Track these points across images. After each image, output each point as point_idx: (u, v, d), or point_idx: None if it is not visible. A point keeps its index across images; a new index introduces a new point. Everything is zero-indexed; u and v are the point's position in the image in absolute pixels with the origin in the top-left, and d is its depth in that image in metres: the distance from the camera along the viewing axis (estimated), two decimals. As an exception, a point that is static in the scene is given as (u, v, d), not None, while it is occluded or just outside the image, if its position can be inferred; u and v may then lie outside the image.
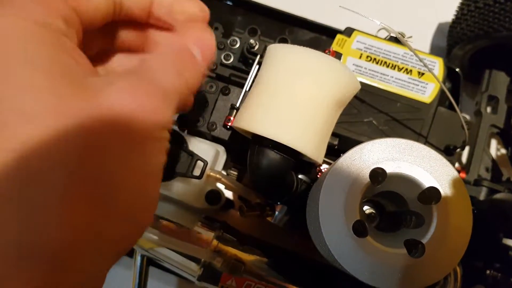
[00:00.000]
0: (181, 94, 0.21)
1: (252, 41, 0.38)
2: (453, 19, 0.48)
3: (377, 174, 0.27)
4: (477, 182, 0.41)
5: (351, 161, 0.27)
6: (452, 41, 0.48)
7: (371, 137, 0.39)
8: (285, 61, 0.31)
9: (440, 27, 0.54)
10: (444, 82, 0.41)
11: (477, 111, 0.45)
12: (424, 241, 0.26)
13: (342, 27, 0.45)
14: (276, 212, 0.39)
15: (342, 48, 0.41)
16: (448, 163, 0.27)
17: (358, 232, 0.26)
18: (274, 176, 0.33)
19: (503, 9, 0.42)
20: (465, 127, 0.36)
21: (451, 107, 0.41)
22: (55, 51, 0.18)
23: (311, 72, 0.30)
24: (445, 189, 0.27)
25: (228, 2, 0.49)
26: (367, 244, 0.26)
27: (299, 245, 0.37)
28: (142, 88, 0.19)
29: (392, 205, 0.30)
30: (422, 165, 0.27)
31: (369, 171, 0.27)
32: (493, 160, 0.43)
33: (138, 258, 0.40)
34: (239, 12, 0.49)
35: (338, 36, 0.42)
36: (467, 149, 0.45)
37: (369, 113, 0.40)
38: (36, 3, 0.19)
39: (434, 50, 0.54)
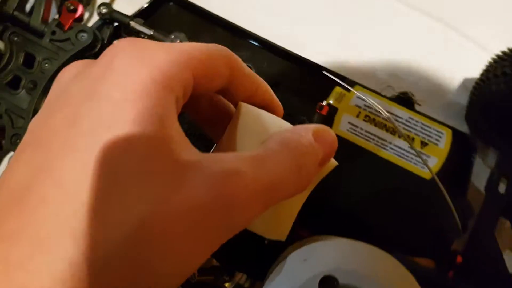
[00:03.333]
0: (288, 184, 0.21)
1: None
2: (478, 78, 0.42)
3: (328, 282, 0.23)
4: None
5: (299, 263, 0.23)
6: (474, 100, 0.42)
7: (350, 206, 0.34)
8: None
9: (465, 83, 0.48)
10: (449, 156, 0.36)
11: (488, 185, 0.39)
12: None
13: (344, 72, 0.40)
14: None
15: (339, 102, 0.37)
16: (411, 277, 0.23)
17: None
18: (235, 240, 0.29)
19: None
20: (458, 222, 0.31)
21: (456, 184, 0.36)
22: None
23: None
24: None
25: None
26: None
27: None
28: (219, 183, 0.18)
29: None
30: (382, 278, 0.23)
31: (318, 279, 0.23)
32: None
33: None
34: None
35: (337, 89, 0.37)
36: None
37: (356, 179, 0.35)
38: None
39: (452, 107, 0.48)
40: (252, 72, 0.30)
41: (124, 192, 0.17)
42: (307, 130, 0.23)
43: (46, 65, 0.40)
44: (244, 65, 0.29)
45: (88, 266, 0.16)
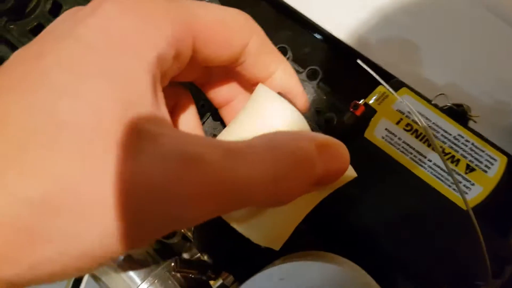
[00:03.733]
0: (256, 195, 0.17)
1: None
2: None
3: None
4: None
5: (275, 282, 0.20)
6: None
7: (369, 223, 0.30)
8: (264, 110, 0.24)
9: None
10: (499, 186, 0.30)
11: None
12: None
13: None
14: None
15: (380, 104, 0.32)
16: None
17: None
18: (225, 239, 0.26)
19: None
20: (488, 263, 0.26)
21: (500, 223, 0.31)
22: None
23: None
24: None
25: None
26: None
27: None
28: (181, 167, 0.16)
29: None
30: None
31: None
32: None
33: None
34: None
35: (380, 88, 0.33)
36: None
37: (381, 193, 0.31)
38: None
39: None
40: (275, 50, 0.26)
41: (66, 147, 0.15)
42: (311, 139, 0.19)
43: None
44: (268, 40, 0.26)
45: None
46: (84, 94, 0.16)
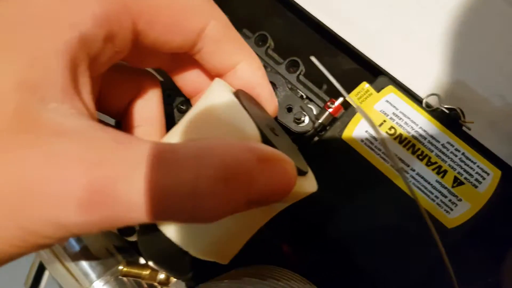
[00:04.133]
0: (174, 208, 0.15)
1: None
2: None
3: None
4: None
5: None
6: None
7: (350, 237, 0.27)
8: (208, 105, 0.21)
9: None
10: (490, 204, 0.26)
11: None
12: None
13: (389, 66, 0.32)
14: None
15: (362, 103, 0.29)
16: None
17: None
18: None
19: None
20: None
21: (490, 246, 0.27)
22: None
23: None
24: None
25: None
26: None
27: None
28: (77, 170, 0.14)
29: None
30: None
31: None
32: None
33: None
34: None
35: (362, 85, 0.29)
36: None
37: (363, 204, 0.27)
38: None
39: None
40: (240, 39, 0.23)
41: None
42: (254, 151, 0.16)
43: None
44: (231, 27, 0.22)
45: None
46: None
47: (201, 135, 0.20)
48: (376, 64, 0.33)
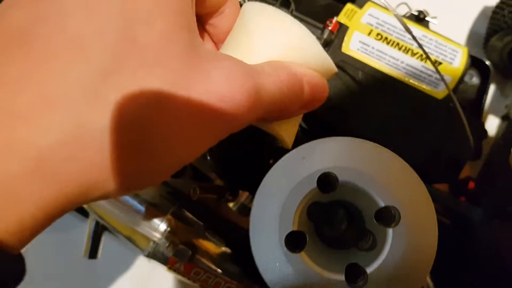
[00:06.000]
0: (273, 108, 0.20)
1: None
2: (497, 3, 0.40)
3: (328, 180, 0.22)
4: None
5: (297, 161, 0.23)
6: (492, 29, 0.40)
7: (363, 129, 0.34)
8: (247, 21, 0.26)
9: (484, 11, 0.46)
10: (463, 76, 0.34)
11: (505, 116, 0.38)
12: (369, 269, 0.21)
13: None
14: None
15: (350, 20, 0.35)
16: (418, 179, 0.22)
17: (291, 245, 0.22)
18: (239, 159, 0.29)
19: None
20: (471, 140, 0.30)
21: (470, 105, 0.35)
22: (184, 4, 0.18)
23: (274, 42, 0.25)
24: (407, 210, 0.22)
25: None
26: (299, 261, 0.22)
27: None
28: (241, 81, 0.18)
29: (347, 219, 0.25)
30: (385, 178, 0.22)
31: (317, 176, 0.22)
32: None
33: (93, 224, 0.38)
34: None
35: (348, 6, 0.36)
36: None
37: (367, 100, 0.34)
38: None
39: (473, 37, 0.46)
40: None
41: (143, 65, 0.16)
42: (303, 74, 0.22)
43: None
44: None
45: (95, 130, 0.15)
46: None
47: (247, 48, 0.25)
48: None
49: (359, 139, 0.22)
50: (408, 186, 0.22)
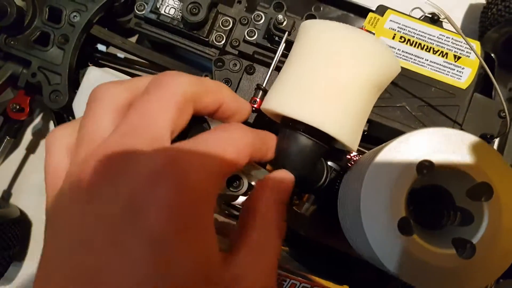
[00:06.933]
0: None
1: (280, 16, 0.35)
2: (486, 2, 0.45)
3: (425, 167, 0.25)
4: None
5: (396, 152, 0.25)
6: (486, 23, 0.45)
7: (403, 123, 0.37)
8: (323, 40, 0.29)
9: (472, 8, 0.51)
10: (481, 67, 0.38)
11: (510, 98, 0.43)
12: (474, 240, 0.24)
13: (371, 5, 0.42)
14: (306, 203, 0.37)
15: (374, 27, 0.39)
16: (501, 158, 0.25)
17: (403, 230, 0.24)
18: (304, 163, 0.31)
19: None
20: (507, 113, 0.34)
21: (486, 94, 0.39)
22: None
23: (353, 53, 0.28)
24: (498, 185, 0.25)
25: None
26: (413, 243, 0.24)
27: (327, 235, 0.35)
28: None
29: (432, 200, 0.28)
30: (473, 158, 0.25)
31: (416, 164, 0.25)
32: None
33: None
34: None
35: (371, 15, 0.39)
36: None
37: (402, 97, 0.37)
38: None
39: (465, 33, 0.51)
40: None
41: None
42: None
43: (75, 18, 0.39)
44: None
45: None
46: None
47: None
48: (359, 5, 0.43)
49: (446, 128, 0.25)
50: (496, 165, 0.25)
